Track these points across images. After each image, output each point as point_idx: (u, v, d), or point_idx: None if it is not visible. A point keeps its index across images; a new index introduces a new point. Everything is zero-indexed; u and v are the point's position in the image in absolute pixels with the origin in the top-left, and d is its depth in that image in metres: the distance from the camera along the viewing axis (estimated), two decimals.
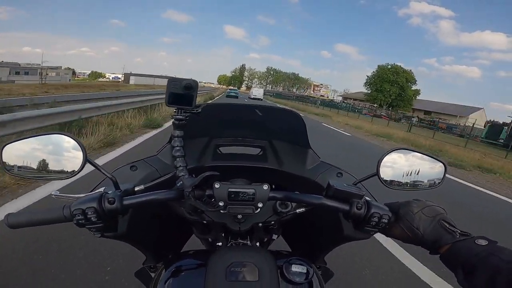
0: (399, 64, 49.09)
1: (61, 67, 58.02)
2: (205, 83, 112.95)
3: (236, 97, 36.25)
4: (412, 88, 48.04)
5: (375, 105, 47.14)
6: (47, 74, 44.09)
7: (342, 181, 0.63)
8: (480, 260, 0.41)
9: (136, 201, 0.52)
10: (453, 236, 0.47)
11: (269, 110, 0.73)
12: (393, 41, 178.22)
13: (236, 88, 68.56)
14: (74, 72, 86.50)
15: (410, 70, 49.09)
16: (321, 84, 66.25)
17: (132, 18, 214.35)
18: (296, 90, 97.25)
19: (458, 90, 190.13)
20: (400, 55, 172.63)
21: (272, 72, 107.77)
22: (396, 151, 0.60)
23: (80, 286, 1.55)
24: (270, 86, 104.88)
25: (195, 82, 0.52)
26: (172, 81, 0.52)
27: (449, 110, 47.33)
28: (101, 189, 0.53)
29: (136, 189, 0.54)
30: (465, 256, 0.44)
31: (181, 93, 0.51)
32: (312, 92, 57.59)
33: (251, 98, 37.68)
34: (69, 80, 46.40)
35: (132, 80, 71.44)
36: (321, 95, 55.71)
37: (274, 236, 0.80)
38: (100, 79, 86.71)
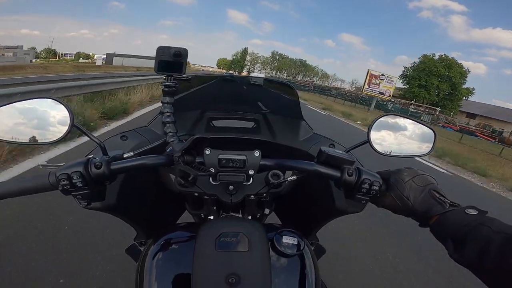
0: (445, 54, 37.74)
1: (22, 46, 53.70)
2: (204, 67, 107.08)
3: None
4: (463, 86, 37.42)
5: (412, 102, 36.63)
6: (3, 54, 42.06)
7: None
8: (470, 231, 0.41)
9: (124, 166, 0.50)
10: (442, 207, 0.47)
11: (264, 83, 0.75)
12: (399, 33, 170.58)
13: (232, 72, 62.42)
14: (55, 53, 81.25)
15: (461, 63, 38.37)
16: (383, 75, 30.91)
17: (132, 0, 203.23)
18: (302, 78, 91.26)
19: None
20: (409, 47, 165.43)
21: (277, 58, 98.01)
22: (386, 116, 0.60)
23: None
24: (275, 72, 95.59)
25: (185, 50, 0.52)
26: (161, 49, 0.52)
27: (496, 113, 38.27)
28: (90, 156, 0.52)
29: (125, 155, 0.53)
30: (455, 227, 0.43)
31: (170, 60, 0.52)
32: (367, 86, 30.29)
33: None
34: (30, 61, 42.23)
35: (119, 61, 63.23)
36: (379, 93, 31.23)
37: (267, 211, 0.78)
38: (85, 61, 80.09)
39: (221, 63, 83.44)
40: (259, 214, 0.77)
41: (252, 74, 48.42)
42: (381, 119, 0.59)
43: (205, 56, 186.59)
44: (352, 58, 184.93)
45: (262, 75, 45.96)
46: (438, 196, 0.48)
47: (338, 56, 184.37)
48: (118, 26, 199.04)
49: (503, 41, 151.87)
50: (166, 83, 0.54)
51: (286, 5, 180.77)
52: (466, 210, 0.44)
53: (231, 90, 0.80)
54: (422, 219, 0.49)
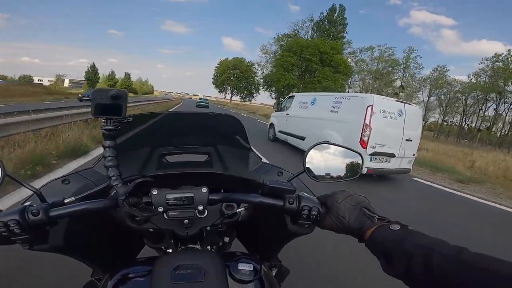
0: None
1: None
2: (209, 96, 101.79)
3: (207, 107, 32.98)
4: None
5: None
6: None
7: (282, 179, 0.66)
8: (396, 247, 0.44)
9: (64, 212, 0.50)
10: (371, 221, 0.50)
11: (211, 116, 0.76)
12: None
13: (206, 98, 54.79)
14: (31, 80, 73.26)
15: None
16: None
17: (130, 29, 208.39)
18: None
19: None
20: None
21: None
22: (318, 145, 0.64)
23: None
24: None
25: (124, 92, 0.52)
26: (97, 91, 0.51)
27: None
28: (27, 203, 0.51)
29: (66, 200, 0.52)
30: (383, 243, 0.46)
31: (109, 103, 0.51)
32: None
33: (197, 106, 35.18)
34: None
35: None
36: None
37: (226, 239, 0.80)
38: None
39: (223, 65, 66.31)
40: (221, 243, 0.79)
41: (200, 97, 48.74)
42: (314, 148, 0.64)
43: (204, 83, 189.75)
44: None
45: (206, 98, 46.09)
46: (368, 212, 0.52)
47: None
48: (117, 55, 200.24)
49: None
50: (106, 126, 0.53)
51: (278, 30, 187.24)
52: (390, 226, 0.47)
53: (180, 124, 0.79)
54: (358, 235, 0.51)
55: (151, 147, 0.78)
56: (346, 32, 42.27)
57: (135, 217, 0.61)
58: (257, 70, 59.29)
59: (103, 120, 0.53)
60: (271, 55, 44.70)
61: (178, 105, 33.35)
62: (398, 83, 43.88)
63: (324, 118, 6.25)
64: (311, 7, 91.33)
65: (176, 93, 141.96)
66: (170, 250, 0.73)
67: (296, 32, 42.65)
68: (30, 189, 0.51)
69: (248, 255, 0.61)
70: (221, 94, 73.20)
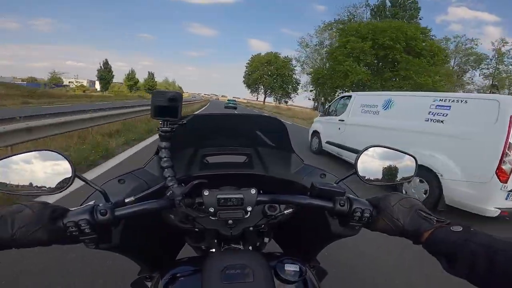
0: None
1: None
2: (237, 97, 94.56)
3: (235, 108, 31.82)
4: None
5: None
6: None
7: (326, 181, 0.70)
8: (458, 248, 0.44)
9: (127, 212, 0.52)
10: (430, 223, 0.50)
11: (252, 117, 0.79)
12: None
13: (234, 99, 49.70)
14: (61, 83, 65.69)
15: None
16: None
17: (161, 32, 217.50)
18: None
19: None
20: None
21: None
22: (370, 148, 0.64)
23: None
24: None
25: (179, 94, 0.53)
26: (157, 93, 0.53)
27: None
28: (91, 202, 0.54)
29: (126, 200, 0.55)
30: (444, 244, 0.46)
31: (166, 105, 0.53)
32: None
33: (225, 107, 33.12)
34: None
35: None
36: None
37: (266, 240, 0.81)
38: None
39: (256, 61, 56.99)
40: (258, 243, 0.79)
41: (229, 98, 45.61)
42: (366, 151, 0.64)
43: (228, 84, 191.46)
44: None
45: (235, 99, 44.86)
46: (425, 214, 0.52)
47: None
48: (149, 59, 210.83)
49: None
50: (163, 128, 0.55)
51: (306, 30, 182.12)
52: (451, 228, 0.47)
53: (222, 125, 0.82)
54: (414, 237, 0.52)
55: (194, 148, 0.82)
56: (420, 19, 31.38)
57: (188, 217, 0.64)
58: (294, 67, 50.36)
59: (160, 122, 0.55)
60: (316, 46, 35.90)
61: (204, 107, 29.27)
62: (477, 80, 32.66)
63: (413, 129, 4.18)
64: (338, 4, 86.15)
65: (205, 94, 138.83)
66: (213, 250, 0.74)
67: (352, 17, 33.20)
68: (96, 189, 0.54)
69: (292, 257, 0.61)
70: (253, 94, 64.33)
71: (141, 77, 65.42)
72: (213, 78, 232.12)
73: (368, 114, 5.38)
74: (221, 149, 0.85)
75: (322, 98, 31.81)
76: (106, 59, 50.54)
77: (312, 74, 33.45)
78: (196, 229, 0.69)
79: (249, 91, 61.83)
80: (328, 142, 6.52)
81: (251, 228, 0.71)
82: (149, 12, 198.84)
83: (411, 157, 0.65)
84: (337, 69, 25.86)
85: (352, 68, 24.54)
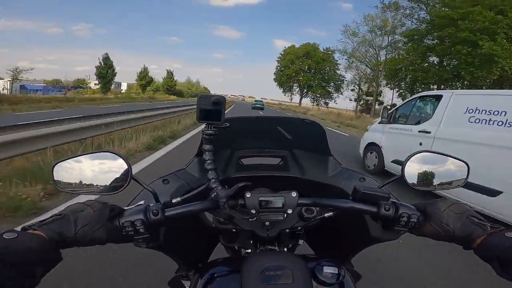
0: None
1: None
2: (264, 98, 79.87)
3: (262, 108, 32.35)
4: None
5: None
6: None
7: (366, 185, 0.67)
8: None
9: (176, 212, 0.55)
10: (484, 229, 0.49)
11: (289, 120, 0.79)
12: None
13: (261, 100, 43.15)
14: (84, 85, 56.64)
15: None
16: None
17: (189, 36, 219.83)
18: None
19: None
20: None
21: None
22: (418, 154, 0.63)
23: None
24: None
25: (223, 98, 0.54)
26: (202, 97, 0.54)
27: None
28: (142, 202, 0.57)
29: (174, 201, 0.57)
30: (499, 249, 0.46)
31: (210, 108, 0.54)
32: None
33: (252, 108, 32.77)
34: None
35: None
36: None
37: (300, 242, 0.81)
38: None
39: (290, 54, 46.94)
40: (290, 245, 0.79)
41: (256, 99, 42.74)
42: (415, 156, 0.62)
43: (254, 84, 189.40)
44: None
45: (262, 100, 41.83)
46: (477, 221, 0.51)
47: None
48: (179, 61, 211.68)
49: None
50: (207, 131, 0.56)
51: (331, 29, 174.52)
52: (506, 234, 0.47)
53: (257, 128, 0.83)
54: (464, 243, 0.52)
55: (231, 149, 0.84)
56: None
57: (230, 218, 0.66)
58: (337, 61, 40.42)
59: (204, 125, 0.57)
60: (369, 33, 28.72)
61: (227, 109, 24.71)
62: None
63: None
64: (365, 2, 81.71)
65: (232, 95, 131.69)
66: (249, 250, 0.75)
67: None
68: (149, 190, 0.57)
69: (329, 259, 0.61)
70: (286, 94, 52.49)
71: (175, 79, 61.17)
72: (239, 79, 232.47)
73: (485, 126, 3.38)
74: (256, 151, 0.86)
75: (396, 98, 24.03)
76: (107, 53, 38.71)
77: (387, 66, 24.90)
78: (234, 230, 0.71)
79: (281, 90, 51.71)
80: (396, 162, 4.60)
81: (287, 230, 0.71)
82: (177, 13, 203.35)
83: (463, 162, 0.64)
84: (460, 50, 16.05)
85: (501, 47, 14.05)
